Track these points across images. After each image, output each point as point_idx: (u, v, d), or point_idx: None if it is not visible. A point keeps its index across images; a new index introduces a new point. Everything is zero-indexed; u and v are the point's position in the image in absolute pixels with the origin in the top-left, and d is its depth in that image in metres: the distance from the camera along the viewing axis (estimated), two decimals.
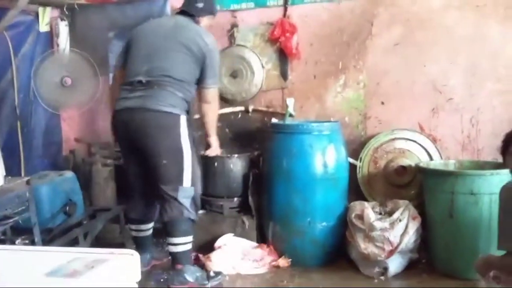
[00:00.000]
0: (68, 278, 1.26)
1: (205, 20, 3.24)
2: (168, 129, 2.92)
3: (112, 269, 1.34)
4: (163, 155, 2.91)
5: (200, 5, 3.19)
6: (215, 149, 3.38)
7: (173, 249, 2.97)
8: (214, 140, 3.33)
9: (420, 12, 3.64)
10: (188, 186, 2.94)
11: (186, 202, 2.93)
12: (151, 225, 3.31)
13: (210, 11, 3.25)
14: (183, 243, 2.96)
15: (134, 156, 3.07)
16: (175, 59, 2.98)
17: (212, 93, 3.15)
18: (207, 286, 2.96)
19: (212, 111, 3.22)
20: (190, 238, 2.99)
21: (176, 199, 2.91)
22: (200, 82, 3.10)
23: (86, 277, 1.26)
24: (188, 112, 3.04)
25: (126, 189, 3.30)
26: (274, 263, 3.26)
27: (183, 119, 2.95)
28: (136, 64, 3.03)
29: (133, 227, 3.30)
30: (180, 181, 2.92)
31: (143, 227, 3.28)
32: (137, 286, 1.43)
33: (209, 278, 3.01)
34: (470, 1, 3.55)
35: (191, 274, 2.94)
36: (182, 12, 3.22)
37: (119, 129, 3.07)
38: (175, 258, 2.98)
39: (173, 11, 4.07)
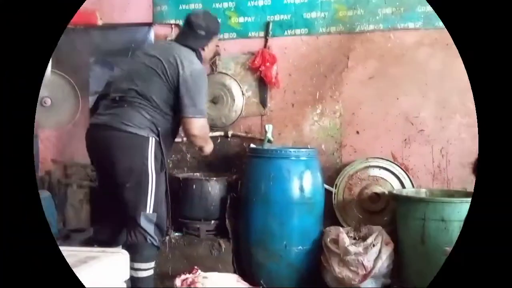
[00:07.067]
0: None
1: (210, 46, 3.04)
2: (133, 151, 2.75)
3: (104, 265, 1.38)
4: (126, 177, 2.74)
5: (202, 32, 2.94)
6: None
7: (134, 274, 2.74)
8: None
9: (394, 48, 3.82)
10: (150, 212, 2.77)
11: (149, 227, 2.77)
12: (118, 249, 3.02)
13: (210, 35, 3.00)
14: (144, 269, 2.82)
15: (102, 174, 2.94)
16: (152, 81, 2.82)
17: (194, 123, 2.83)
18: None
19: (207, 146, 3.03)
20: (152, 264, 2.85)
21: (139, 224, 2.76)
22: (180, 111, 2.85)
23: (79, 270, 1.28)
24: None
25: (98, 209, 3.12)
26: None
27: (152, 141, 2.77)
28: (117, 81, 2.93)
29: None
30: (143, 206, 2.75)
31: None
32: (125, 285, 1.46)
33: None
34: (441, 40, 3.73)
35: None
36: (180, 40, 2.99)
37: (87, 146, 2.92)
38: (135, 283, 2.80)
39: (156, 39, 4.16)
